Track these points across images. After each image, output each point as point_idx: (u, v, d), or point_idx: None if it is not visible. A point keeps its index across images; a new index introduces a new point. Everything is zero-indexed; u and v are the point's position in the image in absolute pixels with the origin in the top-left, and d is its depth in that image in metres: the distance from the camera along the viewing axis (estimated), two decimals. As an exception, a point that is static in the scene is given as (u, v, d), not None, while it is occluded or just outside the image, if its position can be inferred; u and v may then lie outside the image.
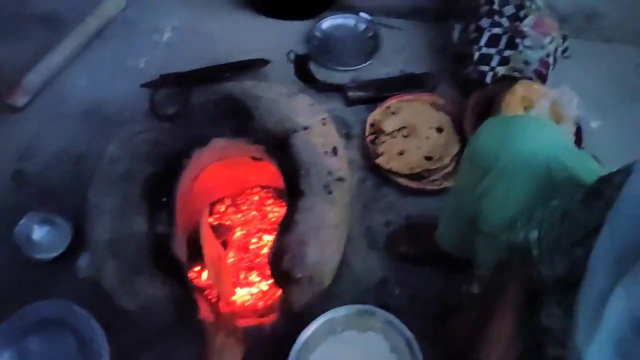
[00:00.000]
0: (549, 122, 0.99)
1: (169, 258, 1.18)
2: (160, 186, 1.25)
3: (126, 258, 1.18)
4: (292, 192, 1.27)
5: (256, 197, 1.66)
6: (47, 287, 1.42)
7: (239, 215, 1.62)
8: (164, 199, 1.22)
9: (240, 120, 1.35)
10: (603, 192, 0.71)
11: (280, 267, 1.18)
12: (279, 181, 1.39)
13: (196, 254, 1.48)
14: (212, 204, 1.64)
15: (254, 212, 1.62)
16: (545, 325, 0.80)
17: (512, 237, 0.87)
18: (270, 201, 1.65)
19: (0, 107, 1.79)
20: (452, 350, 1.13)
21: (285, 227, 1.21)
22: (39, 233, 1.51)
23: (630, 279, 0.58)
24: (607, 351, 0.60)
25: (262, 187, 1.67)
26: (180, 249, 1.24)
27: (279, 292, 1.29)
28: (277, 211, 1.62)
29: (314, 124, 1.38)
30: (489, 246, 1.02)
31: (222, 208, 1.64)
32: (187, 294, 1.20)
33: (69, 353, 1.30)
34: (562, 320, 0.75)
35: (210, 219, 1.60)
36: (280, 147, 1.32)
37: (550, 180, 0.89)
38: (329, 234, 1.23)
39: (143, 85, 1.46)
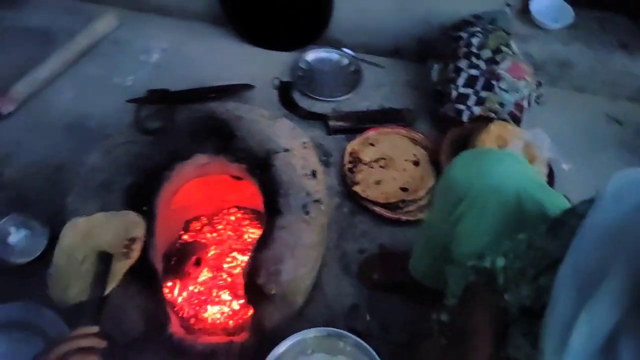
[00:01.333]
0: (521, 158, 1.02)
1: (145, 267, 1.17)
2: (141, 196, 1.26)
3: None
4: (270, 210, 1.29)
5: (233, 218, 1.68)
6: (19, 290, 1.38)
7: (215, 234, 1.64)
8: (145, 208, 1.22)
9: (222, 139, 1.37)
10: (568, 222, 0.73)
11: (255, 282, 1.19)
12: (256, 202, 1.41)
13: (169, 270, 1.49)
14: (189, 222, 1.65)
15: (229, 232, 1.64)
16: (511, 357, 0.80)
17: (480, 263, 0.89)
18: (247, 222, 1.67)
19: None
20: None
21: (262, 243, 1.23)
22: (15, 237, 1.49)
23: (591, 305, 0.59)
24: None
25: (239, 208, 1.69)
26: (157, 260, 1.23)
27: (251, 311, 1.29)
28: (252, 232, 1.63)
29: (295, 146, 1.41)
30: (460, 276, 1.02)
31: (198, 226, 1.65)
32: (159, 305, 1.20)
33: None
34: (529, 351, 0.76)
35: (185, 236, 1.61)
36: (261, 166, 1.35)
37: (519, 211, 0.92)
38: (304, 253, 1.25)
39: (129, 101, 1.48)
